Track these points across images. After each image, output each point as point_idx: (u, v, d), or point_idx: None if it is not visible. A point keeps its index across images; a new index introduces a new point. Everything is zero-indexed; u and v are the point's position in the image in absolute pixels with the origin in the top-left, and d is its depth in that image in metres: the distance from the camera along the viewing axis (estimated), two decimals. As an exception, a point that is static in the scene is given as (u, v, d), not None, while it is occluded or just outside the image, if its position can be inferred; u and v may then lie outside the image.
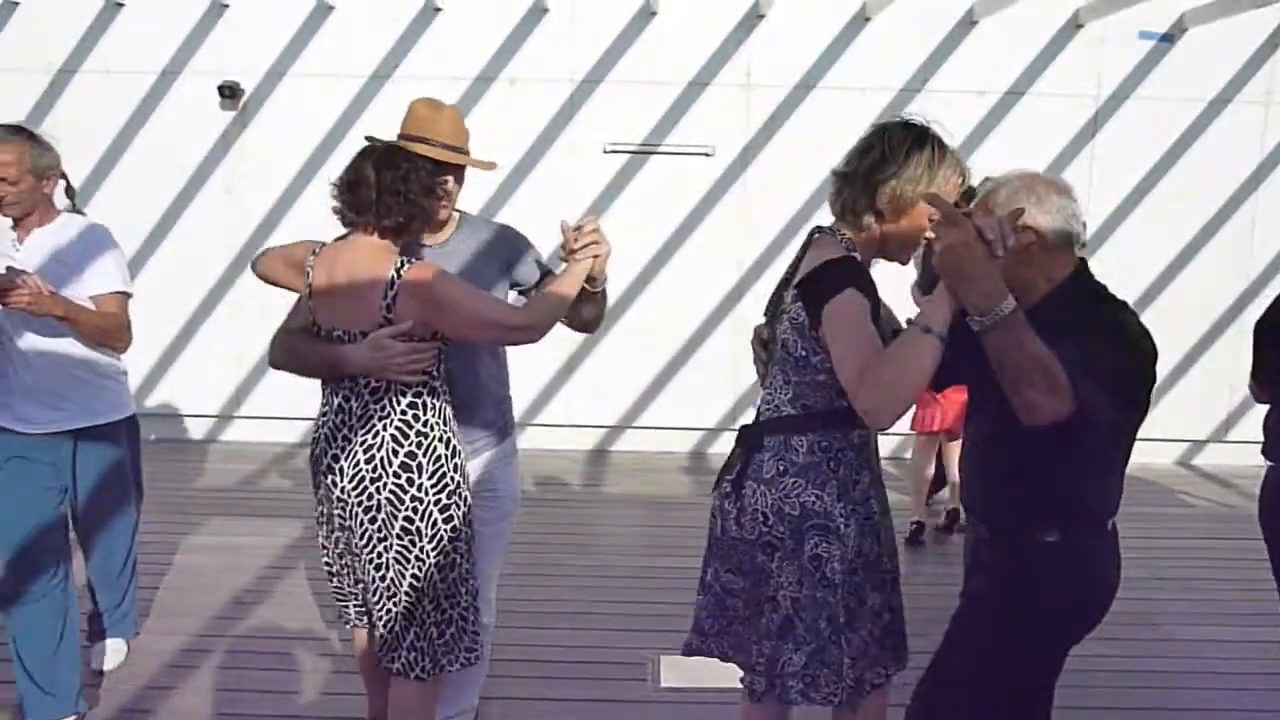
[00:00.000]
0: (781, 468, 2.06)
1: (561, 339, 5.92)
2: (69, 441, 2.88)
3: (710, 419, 6.13)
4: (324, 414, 2.34)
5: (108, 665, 3.23)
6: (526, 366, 5.96)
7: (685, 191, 5.89)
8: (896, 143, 1.99)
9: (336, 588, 2.48)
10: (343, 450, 2.27)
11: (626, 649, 3.49)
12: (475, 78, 5.79)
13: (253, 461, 5.71)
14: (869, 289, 1.95)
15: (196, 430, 6.21)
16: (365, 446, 2.24)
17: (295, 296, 2.42)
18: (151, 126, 5.84)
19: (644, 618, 3.74)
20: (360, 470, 2.24)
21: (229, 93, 5.74)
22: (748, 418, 6.45)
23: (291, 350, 2.36)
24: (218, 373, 6.07)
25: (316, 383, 2.43)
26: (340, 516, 2.30)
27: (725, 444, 6.02)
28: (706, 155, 5.84)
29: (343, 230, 2.34)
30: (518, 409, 6.39)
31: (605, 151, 5.85)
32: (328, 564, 2.46)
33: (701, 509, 5.03)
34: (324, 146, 5.78)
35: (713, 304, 6.01)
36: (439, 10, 5.72)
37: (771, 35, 5.74)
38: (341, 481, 2.26)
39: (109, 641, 3.27)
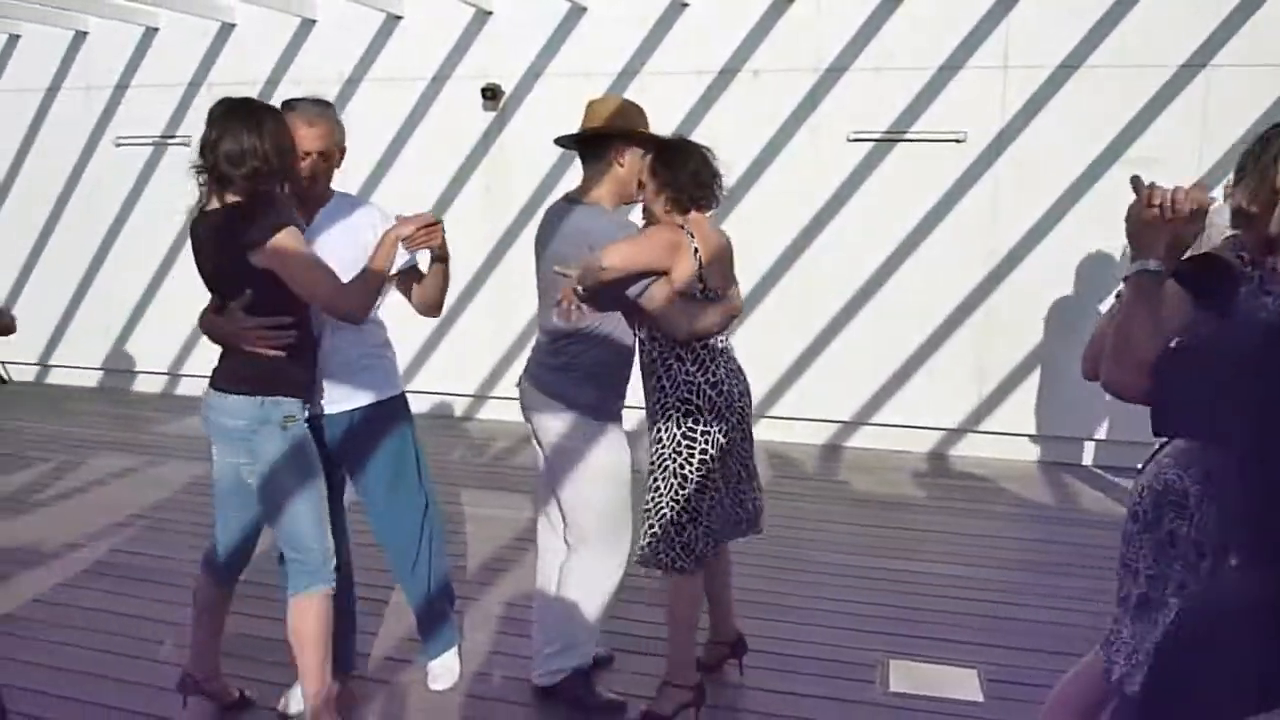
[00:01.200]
0: (1167, 449, 2.13)
1: (799, 329, 5.91)
2: (346, 421, 2.85)
3: (952, 419, 5.87)
4: (723, 364, 2.86)
5: (440, 686, 3.17)
6: (760, 358, 5.97)
7: (933, 180, 5.66)
8: (1261, 144, 1.98)
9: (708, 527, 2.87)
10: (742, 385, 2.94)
11: (854, 649, 3.43)
12: (719, 70, 5.85)
13: (504, 439, 6.10)
14: (1210, 288, 1.92)
15: (457, 408, 6.73)
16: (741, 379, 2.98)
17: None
18: (423, 129, 6.36)
19: (872, 619, 3.66)
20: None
21: (490, 94, 6.14)
22: (994, 420, 6.17)
23: (703, 319, 2.81)
24: (474, 355, 6.54)
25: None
26: (731, 439, 2.88)
27: (968, 446, 5.81)
28: (957, 142, 5.58)
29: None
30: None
31: (849, 140, 5.73)
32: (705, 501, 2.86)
33: (937, 513, 4.89)
34: (574, 143, 6.06)
35: (959, 297, 5.74)
36: (686, 5, 5.83)
37: (1031, 13, 5.39)
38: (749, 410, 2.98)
39: (438, 660, 3.20)
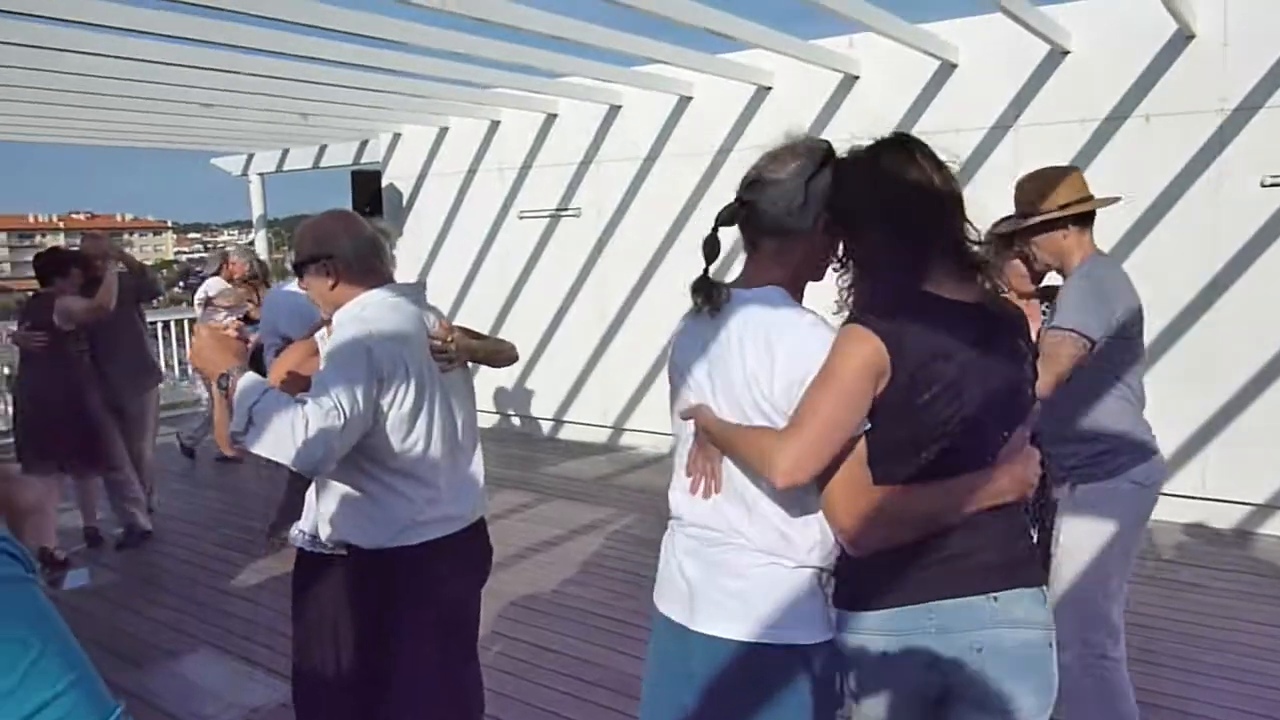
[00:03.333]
0: None
1: (1201, 395, 5.28)
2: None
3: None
4: None
5: None
6: (1155, 425, 5.42)
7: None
8: None
9: None
10: None
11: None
12: (1105, 118, 5.47)
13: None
14: None
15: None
16: None
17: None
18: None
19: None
20: None
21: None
22: None
23: None
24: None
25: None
26: None
27: None
28: None
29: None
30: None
31: (1264, 185, 5.09)
32: None
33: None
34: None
35: None
36: (1067, 53, 5.54)
37: None
38: None
39: None
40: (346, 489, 2.27)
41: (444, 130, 8.64)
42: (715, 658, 1.74)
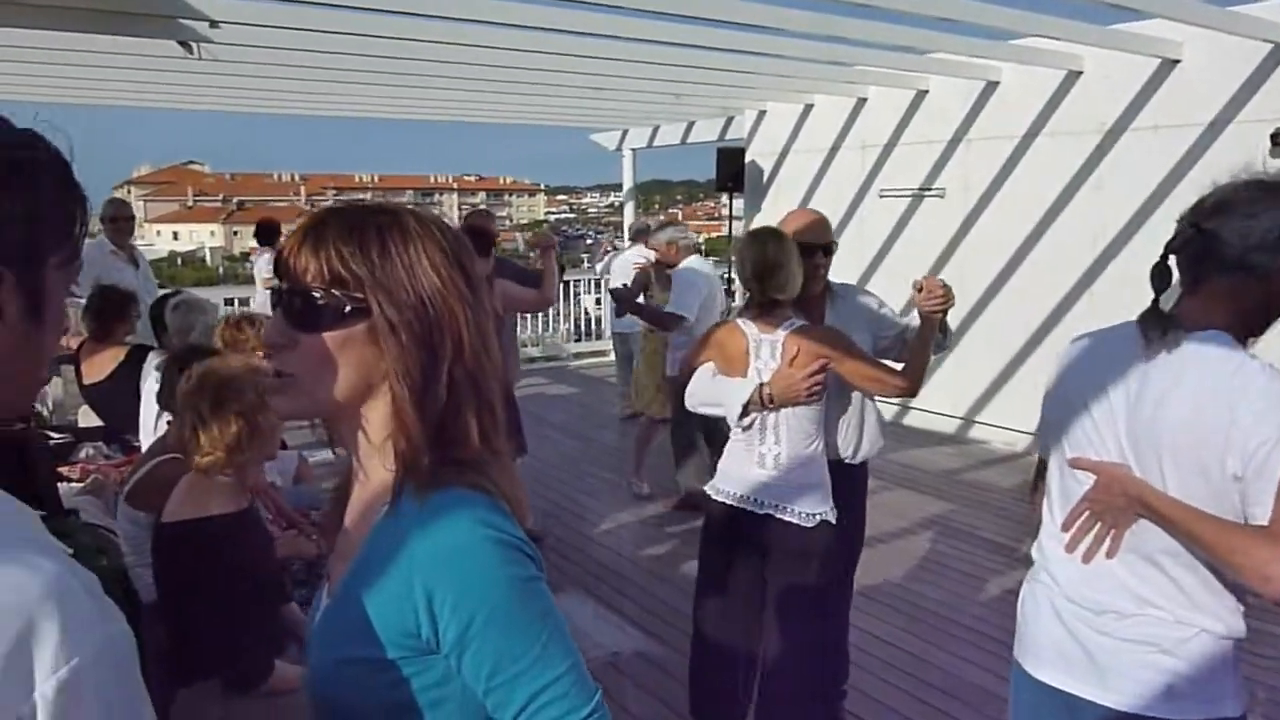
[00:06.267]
0: None
1: None
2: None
3: None
4: None
5: None
6: None
7: None
8: None
9: None
10: None
11: None
12: None
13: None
14: None
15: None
16: None
17: None
18: (1191, 179, 5.89)
19: None
20: None
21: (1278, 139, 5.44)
22: None
23: None
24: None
25: None
26: None
27: None
28: None
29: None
30: None
31: None
32: None
33: None
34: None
35: None
36: None
37: None
38: None
39: None
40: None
41: (809, 107, 8.68)
42: None
